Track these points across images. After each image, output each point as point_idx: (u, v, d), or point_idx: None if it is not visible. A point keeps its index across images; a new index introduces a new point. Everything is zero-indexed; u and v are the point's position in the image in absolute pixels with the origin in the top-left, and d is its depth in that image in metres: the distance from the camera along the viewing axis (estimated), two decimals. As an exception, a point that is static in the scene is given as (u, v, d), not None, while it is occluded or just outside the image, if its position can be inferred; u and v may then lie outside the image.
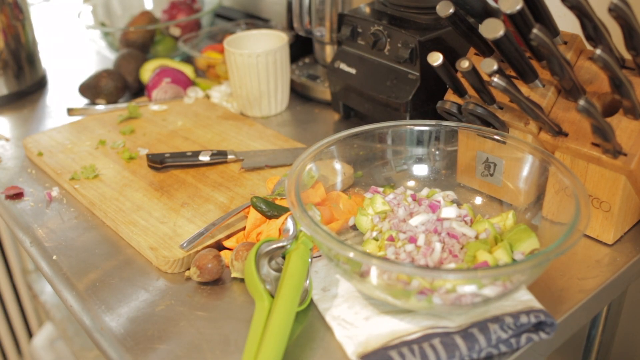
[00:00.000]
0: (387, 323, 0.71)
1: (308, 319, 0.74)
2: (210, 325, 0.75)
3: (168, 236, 0.87)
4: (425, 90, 1.02)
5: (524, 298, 0.73)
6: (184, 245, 0.84)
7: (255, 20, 1.50)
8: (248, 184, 0.99)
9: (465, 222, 0.82)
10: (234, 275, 0.80)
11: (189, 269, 0.84)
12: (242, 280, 0.81)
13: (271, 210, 0.87)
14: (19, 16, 1.34)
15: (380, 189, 0.88)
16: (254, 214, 0.88)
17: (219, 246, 0.87)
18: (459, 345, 0.66)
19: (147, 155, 1.04)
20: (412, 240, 0.78)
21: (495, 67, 0.73)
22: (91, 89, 1.29)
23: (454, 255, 0.75)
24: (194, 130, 1.16)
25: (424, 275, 0.65)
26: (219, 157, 1.04)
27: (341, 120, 1.21)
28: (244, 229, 0.88)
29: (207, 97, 1.30)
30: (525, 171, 0.83)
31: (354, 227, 0.86)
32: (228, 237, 0.87)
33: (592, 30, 0.74)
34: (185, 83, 1.29)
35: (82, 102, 1.34)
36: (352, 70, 1.11)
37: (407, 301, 0.68)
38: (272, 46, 1.19)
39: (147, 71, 1.34)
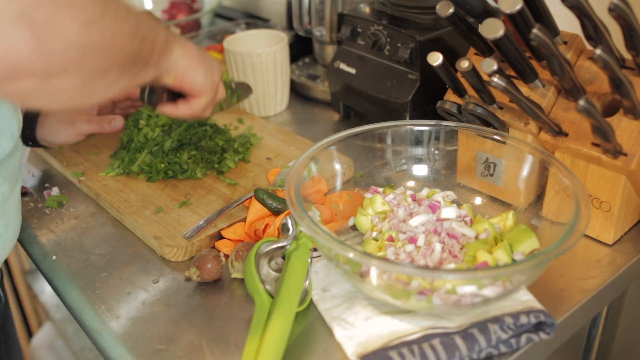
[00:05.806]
0: (387, 323, 0.71)
1: (308, 319, 0.74)
2: (210, 325, 0.74)
3: (172, 226, 0.89)
4: (425, 90, 1.02)
5: (524, 298, 0.73)
6: (187, 234, 0.86)
7: (255, 20, 1.51)
8: (250, 175, 1.00)
9: (465, 223, 0.81)
10: (234, 275, 0.80)
11: (192, 257, 0.84)
12: (242, 280, 0.81)
13: (273, 201, 0.88)
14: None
15: (380, 189, 0.88)
16: (255, 205, 0.88)
17: (219, 235, 0.88)
18: (459, 345, 0.66)
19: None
20: (412, 240, 0.77)
21: (495, 67, 0.73)
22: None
23: (453, 255, 0.75)
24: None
25: (424, 275, 0.65)
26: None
27: (341, 120, 1.21)
28: (244, 219, 0.89)
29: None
30: (525, 171, 0.83)
31: (354, 227, 0.86)
32: (229, 227, 0.88)
33: (592, 30, 0.74)
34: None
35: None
36: (352, 70, 1.11)
37: (407, 301, 0.68)
38: (272, 46, 1.19)
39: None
